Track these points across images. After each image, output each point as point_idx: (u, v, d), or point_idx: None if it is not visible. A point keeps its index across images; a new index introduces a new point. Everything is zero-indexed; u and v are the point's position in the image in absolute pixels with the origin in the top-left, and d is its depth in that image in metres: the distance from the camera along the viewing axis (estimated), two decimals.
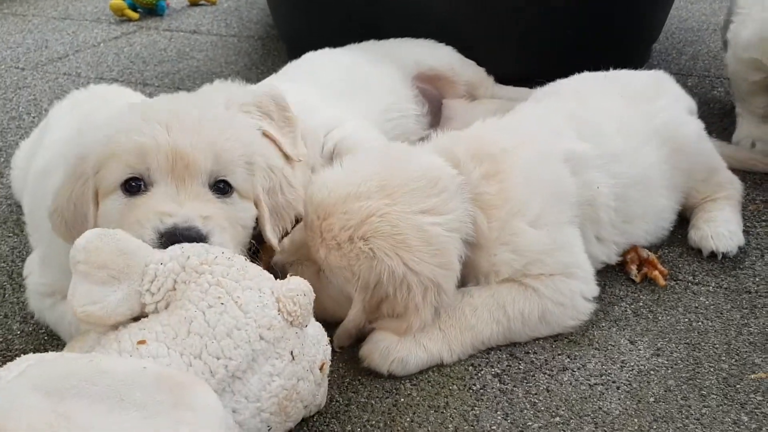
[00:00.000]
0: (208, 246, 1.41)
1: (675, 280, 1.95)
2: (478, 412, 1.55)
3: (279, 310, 1.34)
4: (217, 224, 1.49)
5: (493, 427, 1.51)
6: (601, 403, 1.56)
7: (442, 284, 1.62)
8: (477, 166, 1.74)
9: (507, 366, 1.68)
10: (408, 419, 1.54)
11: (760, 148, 2.53)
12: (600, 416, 1.53)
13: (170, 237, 1.42)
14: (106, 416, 1.02)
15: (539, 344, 1.74)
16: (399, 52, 2.70)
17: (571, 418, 1.52)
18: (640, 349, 1.71)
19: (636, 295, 1.90)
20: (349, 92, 2.41)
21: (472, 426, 1.51)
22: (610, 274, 1.95)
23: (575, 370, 1.66)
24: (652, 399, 1.57)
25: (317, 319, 1.50)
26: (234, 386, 1.28)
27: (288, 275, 1.43)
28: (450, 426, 1.52)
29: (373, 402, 1.59)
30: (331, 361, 1.51)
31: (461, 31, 2.89)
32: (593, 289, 1.79)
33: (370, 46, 2.76)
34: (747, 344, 1.71)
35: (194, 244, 1.40)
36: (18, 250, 2.21)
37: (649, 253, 1.98)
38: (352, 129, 2.22)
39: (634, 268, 1.95)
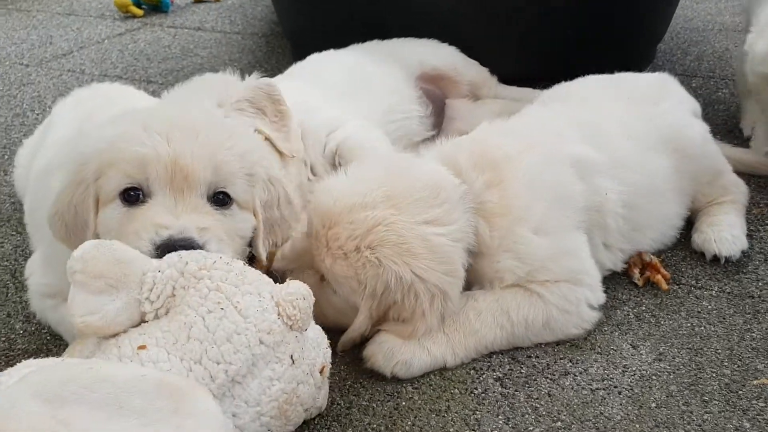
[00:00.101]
0: (205, 252, 1.41)
1: (678, 284, 1.94)
2: (479, 416, 1.55)
3: (279, 315, 1.34)
4: (214, 235, 1.48)
5: None
6: (602, 408, 1.56)
7: (449, 292, 1.62)
8: (479, 174, 1.73)
9: (509, 370, 1.67)
10: (409, 423, 1.54)
11: None
12: (602, 421, 1.52)
13: (166, 248, 1.41)
14: (106, 423, 1.02)
15: (541, 348, 1.73)
16: (402, 52, 2.69)
17: (573, 423, 1.52)
18: (642, 354, 1.71)
19: (639, 299, 1.89)
20: (352, 93, 2.41)
21: (473, 430, 1.51)
22: (612, 278, 1.94)
23: (577, 374, 1.65)
24: (653, 404, 1.56)
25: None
26: (234, 391, 1.29)
27: (287, 280, 1.43)
28: (451, 430, 1.52)
29: (375, 405, 1.59)
30: (332, 364, 1.52)
31: (461, 31, 2.88)
32: (599, 297, 1.78)
33: (374, 46, 2.75)
34: (750, 350, 1.70)
35: (192, 250, 1.40)
36: (21, 248, 2.21)
37: (652, 256, 1.97)
38: (353, 129, 2.22)
39: (636, 271, 1.94)
